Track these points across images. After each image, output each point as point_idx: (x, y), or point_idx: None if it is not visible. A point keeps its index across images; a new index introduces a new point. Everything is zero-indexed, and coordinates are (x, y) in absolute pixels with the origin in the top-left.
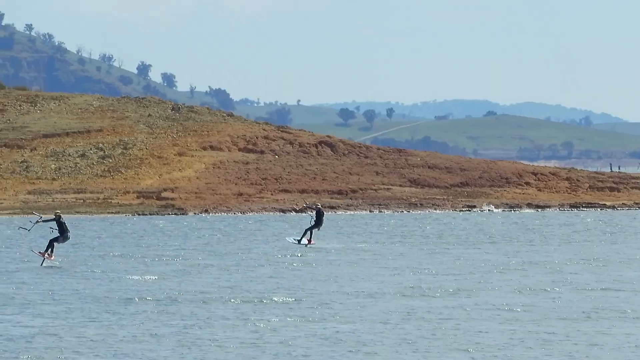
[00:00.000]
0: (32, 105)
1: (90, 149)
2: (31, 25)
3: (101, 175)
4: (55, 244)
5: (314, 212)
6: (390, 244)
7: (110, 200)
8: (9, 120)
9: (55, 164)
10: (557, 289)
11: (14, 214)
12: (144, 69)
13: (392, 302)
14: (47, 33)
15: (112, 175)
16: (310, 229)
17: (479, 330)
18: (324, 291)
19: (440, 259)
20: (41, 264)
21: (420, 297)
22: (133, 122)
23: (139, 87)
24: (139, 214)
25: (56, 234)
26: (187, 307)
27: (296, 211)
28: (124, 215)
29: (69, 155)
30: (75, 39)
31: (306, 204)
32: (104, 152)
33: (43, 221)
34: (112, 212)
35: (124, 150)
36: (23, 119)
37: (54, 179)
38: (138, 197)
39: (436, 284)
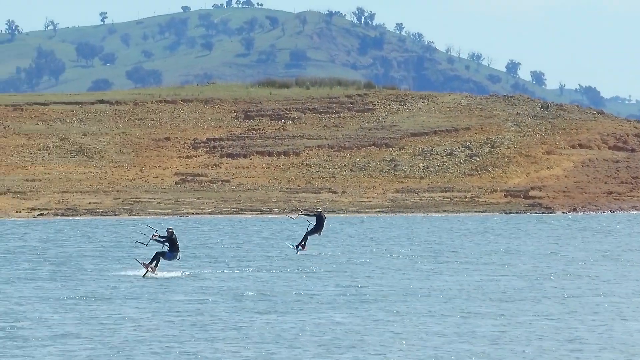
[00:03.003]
0: (401, 105)
1: (458, 147)
2: (401, 24)
3: (468, 174)
4: (161, 258)
5: (313, 218)
6: None
7: (477, 199)
8: (378, 119)
9: (423, 163)
10: None
11: (382, 212)
12: (512, 67)
13: None
14: (417, 32)
15: (479, 174)
16: (309, 234)
17: None
18: None
19: None
20: (143, 275)
21: None
22: (501, 121)
23: (507, 85)
24: (505, 213)
25: (165, 249)
26: None
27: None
28: (491, 213)
29: (437, 154)
30: (445, 38)
31: (301, 211)
32: (472, 151)
33: (159, 236)
34: (479, 211)
35: (492, 149)
36: (392, 118)
37: (421, 178)
38: (505, 196)
39: None
